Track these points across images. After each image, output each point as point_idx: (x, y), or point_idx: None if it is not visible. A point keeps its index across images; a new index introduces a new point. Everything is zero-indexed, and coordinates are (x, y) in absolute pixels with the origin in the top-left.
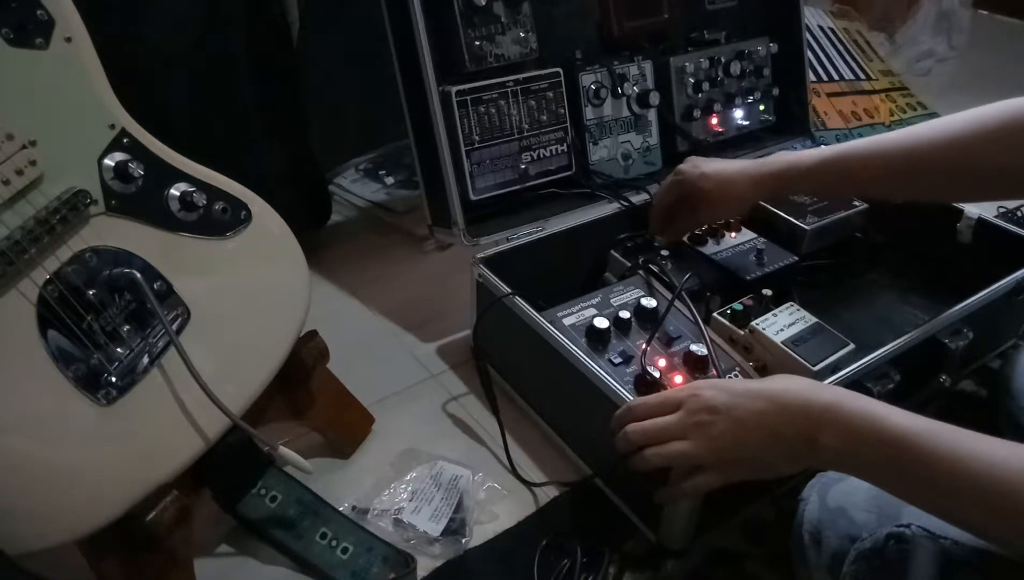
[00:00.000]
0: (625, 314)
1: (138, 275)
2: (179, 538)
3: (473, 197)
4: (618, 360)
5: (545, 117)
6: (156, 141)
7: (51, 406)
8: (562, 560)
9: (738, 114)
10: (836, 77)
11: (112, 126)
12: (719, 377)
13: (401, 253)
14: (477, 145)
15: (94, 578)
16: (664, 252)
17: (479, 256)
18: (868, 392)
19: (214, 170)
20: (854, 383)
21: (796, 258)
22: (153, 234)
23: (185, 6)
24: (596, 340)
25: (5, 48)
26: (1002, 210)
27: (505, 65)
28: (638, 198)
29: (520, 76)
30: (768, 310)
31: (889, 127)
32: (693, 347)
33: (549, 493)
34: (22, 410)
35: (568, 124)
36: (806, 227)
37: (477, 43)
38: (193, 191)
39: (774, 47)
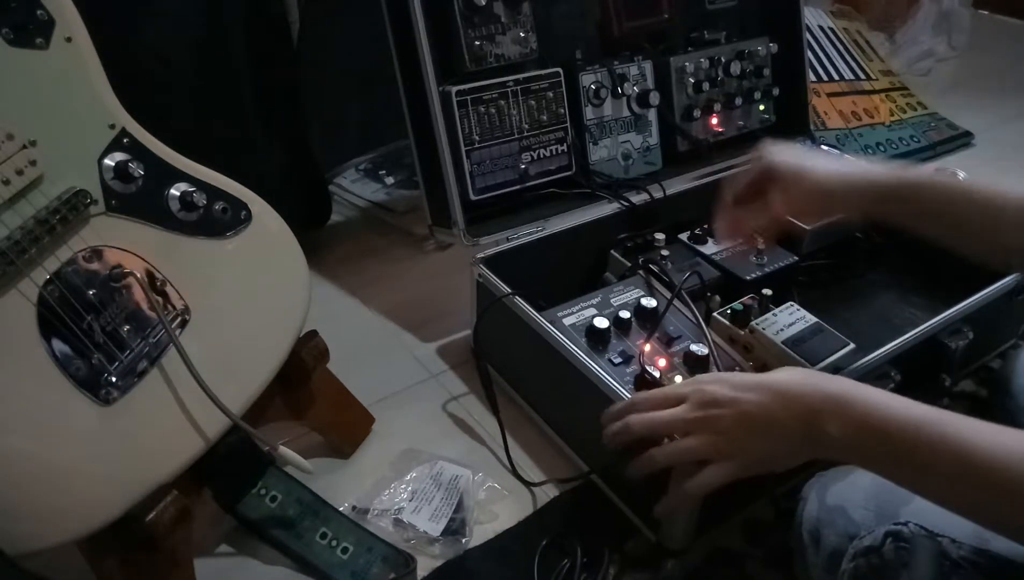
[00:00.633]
0: (625, 314)
1: (138, 275)
2: (179, 538)
3: (473, 197)
4: (618, 360)
5: (545, 117)
6: (156, 141)
7: (51, 406)
8: (562, 560)
9: (738, 114)
10: (836, 77)
11: (112, 126)
12: None
13: (401, 253)
14: (477, 145)
15: (94, 578)
16: (664, 252)
17: (479, 256)
18: None
19: (214, 170)
20: None
21: (796, 258)
22: (153, 234)
23: (185, 6)
24: (596, 340)
25: (5, 48)
26: None
27: (505, 65)
28: (638, 198)
29: (520, 76)
30: (768, 310)
31: (889, 127)
32: (693, 347)
33: (549, 493)
34: (22, 410)
35: (568, 124)
36: (806, 227)
37: (477, 43)
38: (193, 191)
39: (774, 47)
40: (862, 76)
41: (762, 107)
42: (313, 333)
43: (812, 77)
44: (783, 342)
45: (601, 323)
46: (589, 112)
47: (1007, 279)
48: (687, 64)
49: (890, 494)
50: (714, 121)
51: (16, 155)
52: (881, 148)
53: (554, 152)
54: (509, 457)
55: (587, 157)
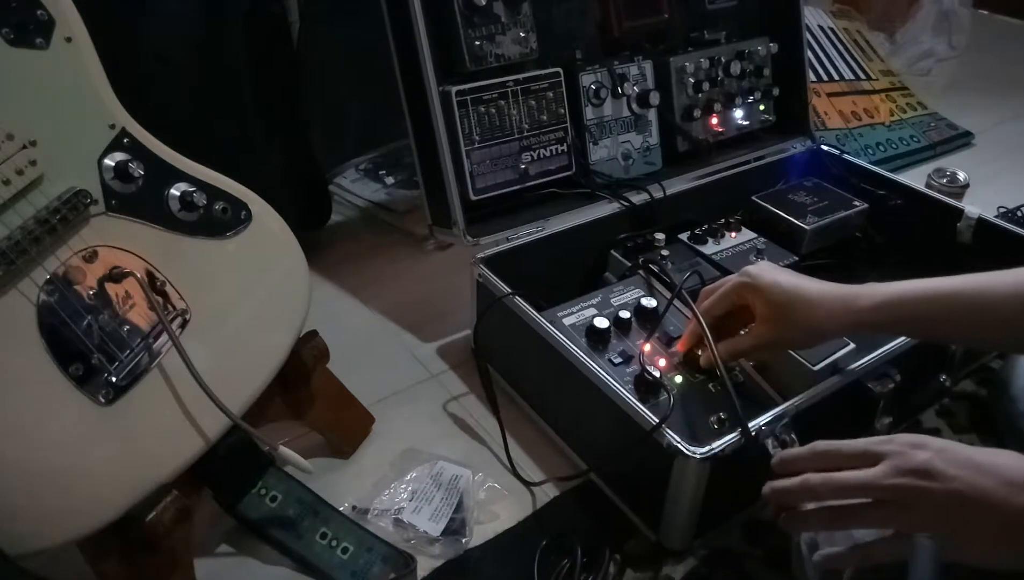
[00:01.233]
0: (625, 314)
1: (138, 275)
2: (179, 538)
3: (473, 197)
4: (618, 360)
5: (545, 117)
6: (156, 141)
7: (51, 406)
8: (562, 560)
9: (738, 114)
10: (836, 77)
11: (112, 126)
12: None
13: (401, 253)
14: (477, 145)
15: (94, 578)
16: (664, 252)
17: (479, 256)
18: (869, 391)
19: (214, 170)
20: (855, 383)
21: (796, 258)
22: (153, 234)
23: (185, 6)
24: (596, 340)
25: (5, 48)
26: (1002, 210)
27: (505, 65)
28: (638, 198)
29: (520, 76)
30: None
31: (889, 127)
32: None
33: (549, 493)
34: (22, 410)
35: (568, 124)
36: (806, 227)
37: (477, 43)
38: (193, 191)
39: (774, 47)
40: (862, 76)
41: (762, 107)
42: (313, 333)
43: (812, 77)
44: None
45: (601, 323)
46: (589, 112)
47: None
48: (687, 64)
49: None
50: (714, 121)
51: (16, 155)
52: (881, 148)
53: (554, 152)
54: (509, 457)
55: (587, 157)
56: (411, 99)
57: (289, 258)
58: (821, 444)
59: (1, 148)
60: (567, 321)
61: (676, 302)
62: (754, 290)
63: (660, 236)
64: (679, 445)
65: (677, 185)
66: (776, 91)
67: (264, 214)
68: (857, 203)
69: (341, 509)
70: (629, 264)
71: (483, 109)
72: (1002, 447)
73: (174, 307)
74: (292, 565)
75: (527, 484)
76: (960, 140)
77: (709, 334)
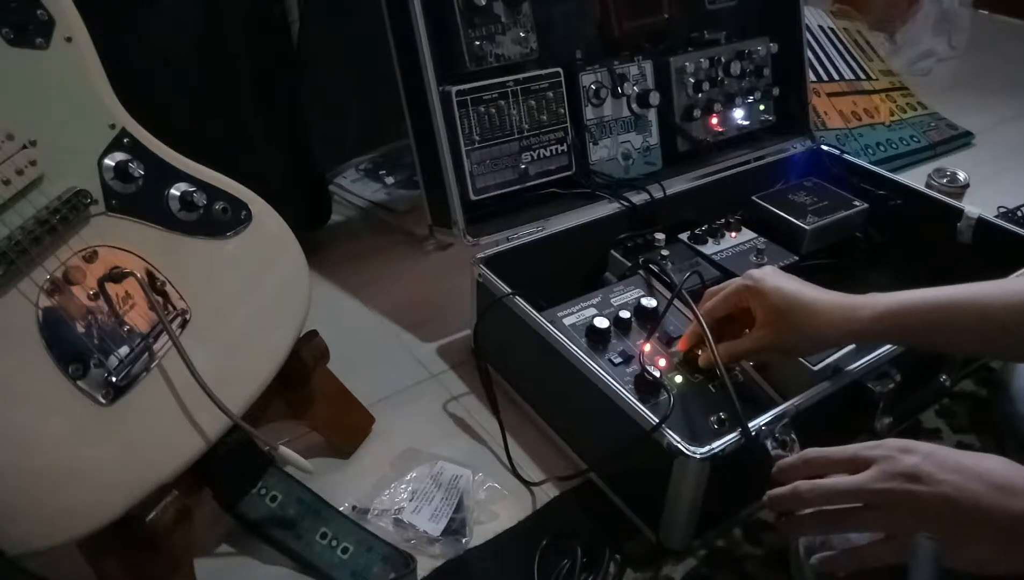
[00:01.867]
0: (625, 314)
1: (138, 275)
2: (179, 538)
3: (473, 197)
4: (618, 360)
5: (545, 117)
6: (156, 141)
7: (51, 406)
8: (562, 560)
9: (738, 114)
10: (836, 77)
11: (112, 126)
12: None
13: (401, 253)
14: (477, 145)
15: (94, 578)
16: (664, 252)
17: (479, 256)
18: (869, 391)
19: (214, 170)
20: (855, 383)
21: (796, 258)
22: (153, 234)
23: (185, 6)
24: (596, 340)
25: (5, 48)
26: (1002, 210)
27: (505, 65)
28: (638, 198)
29: (520, 76)
30: None
31: (889, 127)
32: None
33: (549, 493)
34: (22, 410)
35: (568, 124)
36: (806, 227)
37: (477, 43)
38: (193, 191)
39: (774, 47)
40: (862, 76)
41: (762, 107)
42: (313, 333)
43: (812, 77)
44: None
45: (601, 323)
46: (589, 112)
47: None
48: (687, 64)
49: None
50: (714, 121)
51: (16, 155)
52: (881, 148)
53: (554, 152)
54: (509, 457)
55: (587, 157)
56: (411, 99)
57: (289, 258)
58: (811, 452)
59: (1, 148)
60: (567, 321)
61: (676, 302)
62: (756, 294)
63: (660, 236)
64: (679, 445)
65: (677, 185)
66: (776, 91)
67: (264, 214)
68: (857, 203)
69: (341, 509)
70: (629, 264)
71: (483, 109)
72: (1002, 447)
73: (174, 307)
74: (292, 565)
75: (527, 484)
76: (960, 140)
77: (710, 335)
